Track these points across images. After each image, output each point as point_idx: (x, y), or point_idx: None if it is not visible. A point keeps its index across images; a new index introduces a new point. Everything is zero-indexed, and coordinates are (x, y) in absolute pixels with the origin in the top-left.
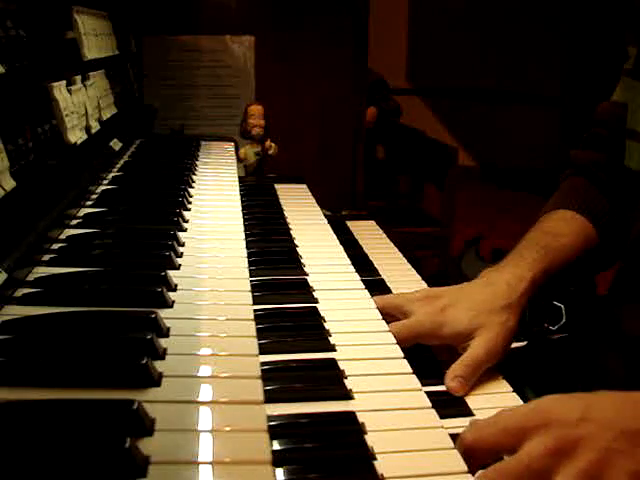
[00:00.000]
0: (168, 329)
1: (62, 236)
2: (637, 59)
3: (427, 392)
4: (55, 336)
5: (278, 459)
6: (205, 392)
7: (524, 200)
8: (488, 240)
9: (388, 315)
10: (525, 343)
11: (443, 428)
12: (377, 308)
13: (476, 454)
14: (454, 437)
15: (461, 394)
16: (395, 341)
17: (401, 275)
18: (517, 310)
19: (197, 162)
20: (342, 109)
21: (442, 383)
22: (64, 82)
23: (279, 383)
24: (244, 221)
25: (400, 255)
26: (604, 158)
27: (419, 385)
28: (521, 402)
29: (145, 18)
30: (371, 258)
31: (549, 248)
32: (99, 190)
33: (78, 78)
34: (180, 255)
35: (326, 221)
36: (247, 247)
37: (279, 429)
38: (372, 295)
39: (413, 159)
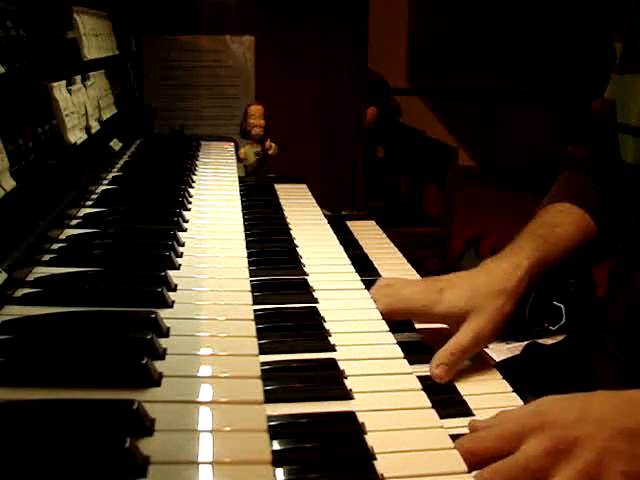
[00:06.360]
0: (168, 329)
1: (62, 236)
2: (623, 54)
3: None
4: (55, 336)
5: (278, 459)
6: (205, 392)
7: (524, 200)
8: (488, 240)
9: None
10: (522, 348)
11: (443, 428)
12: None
13: (473, 462)
14: (454, 437)
15: (445, 381)
16: (395, 341)
17: (401, 275)
18: (514, 296)
19: (197, 162)
20: (342, 109)
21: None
22: (64, 82)
23: (279, 383)
24: (244, 221)
25: (400, 255)
26: (595, 152)
27: (419, 385)
28: (521, 402)
29: (145, 18)
30: (371, 258)
31: (547, 237)
32: (99, 190)
33: (78, 78)
34: (180, 255)
35: (326, 221)
36: (247, 247)
37: (279, 429)
38: None
39: (413, 159)
